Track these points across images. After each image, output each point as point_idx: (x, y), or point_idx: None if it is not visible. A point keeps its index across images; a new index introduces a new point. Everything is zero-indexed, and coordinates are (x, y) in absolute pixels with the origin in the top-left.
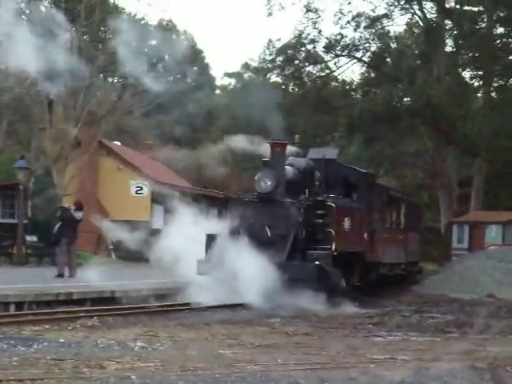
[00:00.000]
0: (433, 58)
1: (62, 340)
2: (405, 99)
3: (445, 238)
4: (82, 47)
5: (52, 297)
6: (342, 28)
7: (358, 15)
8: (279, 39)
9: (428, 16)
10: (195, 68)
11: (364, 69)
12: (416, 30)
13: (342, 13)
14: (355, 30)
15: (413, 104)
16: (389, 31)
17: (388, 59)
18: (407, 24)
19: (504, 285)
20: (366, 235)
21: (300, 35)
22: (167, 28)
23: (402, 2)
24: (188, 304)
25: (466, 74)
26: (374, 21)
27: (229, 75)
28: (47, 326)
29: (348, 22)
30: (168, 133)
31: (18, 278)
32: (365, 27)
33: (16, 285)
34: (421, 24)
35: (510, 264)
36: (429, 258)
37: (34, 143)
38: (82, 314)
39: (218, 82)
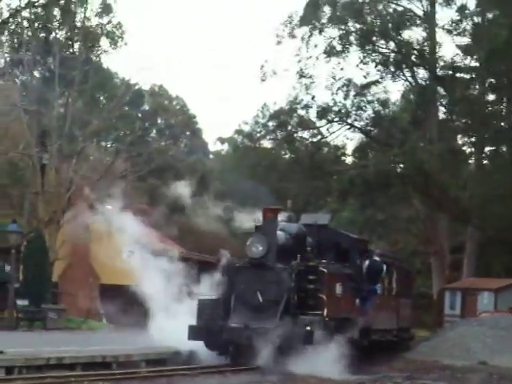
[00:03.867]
0: (425, 124)
1: None
2: (396, 165)
3: (437, 305)
4: (75, 112)
5: (43, 361)
6: (333, 94)
7: (349, 82)
8: (275, 102)
9: (420, 82)
10: (188, 133)
11: (356, 135)
12: (410, 97)
13: (334, 78)
14: (345, 97)
15: (404, 170)
16: (379, 98)
17: (379, 126)
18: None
19: (496, 352)
20: (357, 301)
21: (293, 101)
22: (159, 93)
23: (392, 69)
24: (178, 369)
25: (458, 141)
26: (364, 88)
27: (222, 140)
28: None
29: (339, 89)
30: (160, 197)
31: (8, 343)
32: (355, 95)
33: (6, 349)
34: (413, 90)
35: (501, 331)
36: (421, 324)
37: (26, 207)
38: (73, 379)
39: (212, 148)
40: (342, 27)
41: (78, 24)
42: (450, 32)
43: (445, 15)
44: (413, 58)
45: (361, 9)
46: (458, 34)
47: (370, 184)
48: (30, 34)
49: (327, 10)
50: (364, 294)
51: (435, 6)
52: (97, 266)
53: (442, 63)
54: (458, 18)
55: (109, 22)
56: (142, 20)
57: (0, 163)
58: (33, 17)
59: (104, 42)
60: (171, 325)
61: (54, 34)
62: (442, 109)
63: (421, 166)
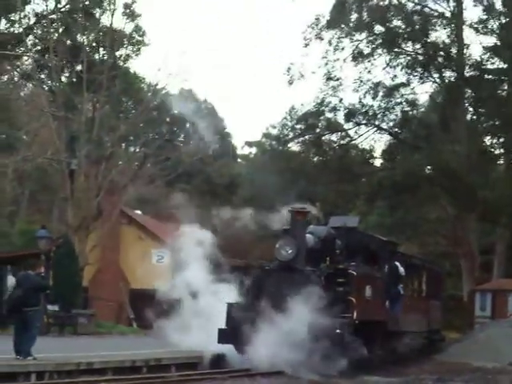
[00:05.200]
0: (452, 125)
1: None
2: (424, 167)
3: (467, 306)
4: (103, 117)
5: (73, 366)
6: (361, 98)
7: (377, 85)
8: (302, 104)
9: (447, 83)
10: (217, 137)
11: (384, 137)
12: (437, 98)
13: (361, 81)
14: (373, 98)
15: (431, 171)
16: (407, 99)
17: (407, 127)
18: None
19: None
20: (387, 303)
21: (321, 103)
22: (188, 97)
23: (420, 71)
24: (207, 373)
25: (487, 142)
26: (392, 90)
27: (250, 144)
28: None
29: (367, 92)
30: (190, 202)
31: (39, 348)
32: (383, 96)
33: (37, 354)
34: (440, 91)
35: None
36: (451, 326)
37: (55, 213)
38: None
39: (240, 151)
40: (369, 31)
41: (104, 29)
42: (477, 30)
43: (472, 15)
44: (440, 59)
45: (386, 11)
46: (485, 34)
47: (399, 186)
48: (55, 38)
49: (354, 13)
50: (393, 296)
51: (462, 5)
52: (127, 270)
53: (469, 64)
54: (485, 17)
55: (134, 30)
56: (163, 22)
57: (29, 169)
58: (59, 23)
59: (128, 48)
60: (202, 329)
61: (80, 38)
62: (469, 110)
63: (448, 167)
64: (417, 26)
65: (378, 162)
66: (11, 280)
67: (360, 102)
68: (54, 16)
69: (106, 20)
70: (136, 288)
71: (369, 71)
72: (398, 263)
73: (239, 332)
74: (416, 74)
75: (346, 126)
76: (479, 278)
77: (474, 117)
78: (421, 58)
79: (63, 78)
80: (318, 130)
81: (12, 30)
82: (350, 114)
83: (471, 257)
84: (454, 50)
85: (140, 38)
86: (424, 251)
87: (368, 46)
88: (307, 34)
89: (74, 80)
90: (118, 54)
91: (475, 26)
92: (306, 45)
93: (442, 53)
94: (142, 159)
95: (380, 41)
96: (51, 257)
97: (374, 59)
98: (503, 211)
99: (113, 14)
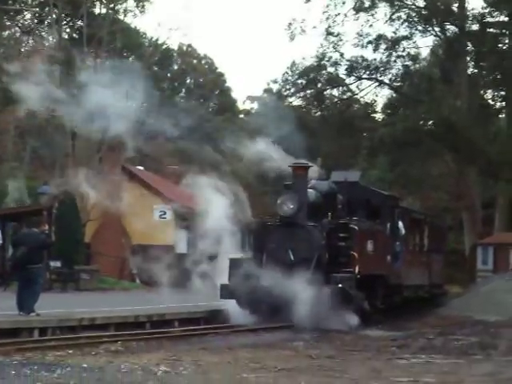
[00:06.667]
0: (454, 79)
1: (85, 365)
2: (425, 122)
3: (469, 260)
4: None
5: (76, 322)
6: (363, 48)
7: (378, 38)
8: (304, 58)
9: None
10: (217, 92)
11: (386, 91)
12: (439, 52)
13: (362, 35)
14: (374, 51)
15: (432, 126)
16: (409, 53)
17: (408, 81)
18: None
19: None
20: (389, 258)
21: (322, 58)
22: (188, 52)
23: (421, 25)
24: (210, 328)
25: (488, 95)
26: (393, 43)
27: (251, 99)
28: (70, 352)
29: (370, 42)
30: (190, 157)
31: (42, 304)
32: (385, 49)
33: (41, 310)
34: (442, 45)
35: None
36: (453, 280)
37: (57, 169)
38: (106, 339)
39: (241, 106)
40: None
41: None
42: None
43: None
44: (441, 13)
45: None
46: None
47: (399, 141)
48: None
49: None
50: (395, 251)
51: None
52: (128, 226)
53: (470, 18)
54: None
55: None
56: None
57: (30, 125)
58: None
59: (131, 3)
60: (205, 284)
61: None
62: (471, 63)
63: (448, 121)
64: None
65: (379, 117)
66: None
67: (361, 56)
68: None
69: None
70: (138, 244)
71: (370, 25)
72: (400, 222)
73: (242, 287)
74: (418, 27)
75: (347, 81)
76: (481, 232)
77: (476, 70)
78: (422, 11)
79: (64, 35)
80: (319, 85)
81: None
82: (352, 68)
83: (473, 211)
84: (455, 4)
85: None
86: (426, 206)
87: None
88: None
89: (75, 36)
90: (118, 7)
91: None
92: (308, 0)
93: (443, 6)
94: (144, 115)
95: None
96: (53, 213)
97: (376, 12)
98: (505, 165)
99: None
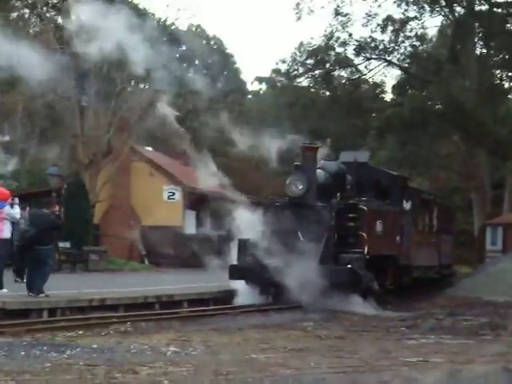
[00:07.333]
0: (462, 59)
1: (94, 346)
2: (433, 102)
3: (478, 241)
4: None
5: (85, 303)
6: (372, 31)
7: (388, 18)
8: (312, 38)
9: (457, 17)
10: (225, 73)
11: (395, 72)
12: (447, 32)
13: (370, 15)
14: (382, 32)
15: (441, 106)
16: (416, 33)
17: (417, 61)
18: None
19: None
20: (398, 238)
21: (330, 38)
22: (197, 33)
23: (429, 5)
24: (219, 309)
25: (497, 75)
26: (402, 23)
27: (260, 80)
28: (80, 332)
29: (378, 25)
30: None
31: (51, 285)
32: (393, 30)
33: (50, 291)
34: (450, 25)
35: None
36: (462, 260)
37: (66, 150)
38: (115, 320)
39: (249, 87)
40: None
41: None
42: None
43: None
44: None
45: None
46: None
47: (407, 121)
48: None
49: None
50: (404, 231)
51: None
52: (138, 207)
53: None
54: None
55: None
56: None
57: (39, 106)
58: None
59: None
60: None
61: None
62: (479, 44)
63: (457, 102)
64: None
65: (388, 98)
66: None
67: (370, 37)
68: None
69: None
70: (147, 225)
71: (379, 5)
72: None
73: (251, 268)
74: (426, 7)
75: (355, 61)
76: (490, 213)
77: (484, 50)
78: None
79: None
80: (327, 66)
81: None
82: (360, 48)
83: (482, 191)
84: None
85: None
86: (435, 186)
87: None
88: None
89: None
90: None
91: None
92: None
93: None
94: (152, 96)
95: None
96: (62, 194)
97: None
98: None
99: None
